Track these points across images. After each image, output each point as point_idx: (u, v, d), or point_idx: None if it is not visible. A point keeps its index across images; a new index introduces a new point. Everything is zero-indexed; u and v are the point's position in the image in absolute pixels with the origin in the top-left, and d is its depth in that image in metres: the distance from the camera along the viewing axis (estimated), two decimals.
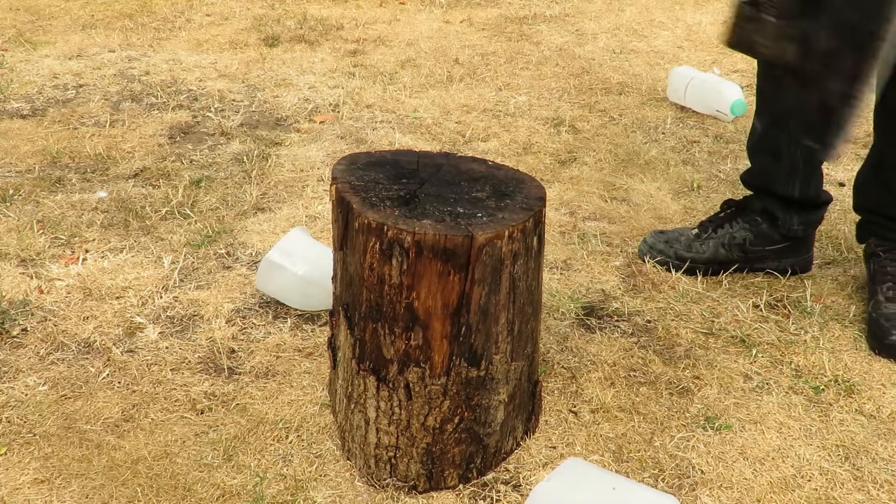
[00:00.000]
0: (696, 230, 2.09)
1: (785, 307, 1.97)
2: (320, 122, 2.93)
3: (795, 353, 1.82)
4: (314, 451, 1.55)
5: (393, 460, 1.47)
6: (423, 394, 1.41)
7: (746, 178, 2.12)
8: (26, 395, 1.68)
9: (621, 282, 2.06)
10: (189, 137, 2.82)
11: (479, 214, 1.37)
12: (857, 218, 2.06)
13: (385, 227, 1.32)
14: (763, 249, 2.05)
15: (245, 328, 1.88)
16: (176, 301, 1.97)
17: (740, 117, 2.93)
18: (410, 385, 1.41)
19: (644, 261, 2.11)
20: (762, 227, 2.04)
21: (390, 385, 1.41)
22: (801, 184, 2.00)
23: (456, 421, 1.44)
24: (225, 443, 1.57)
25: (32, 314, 1.91)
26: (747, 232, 2.05)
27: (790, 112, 1.67)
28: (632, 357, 1.80)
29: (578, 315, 1.92)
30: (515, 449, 1.55)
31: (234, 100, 3.13)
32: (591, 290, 2.03)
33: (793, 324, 1.92)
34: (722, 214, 2.11)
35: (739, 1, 1.46)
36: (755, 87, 2.07)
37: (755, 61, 2.00)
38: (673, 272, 2.06)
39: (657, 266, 2.09)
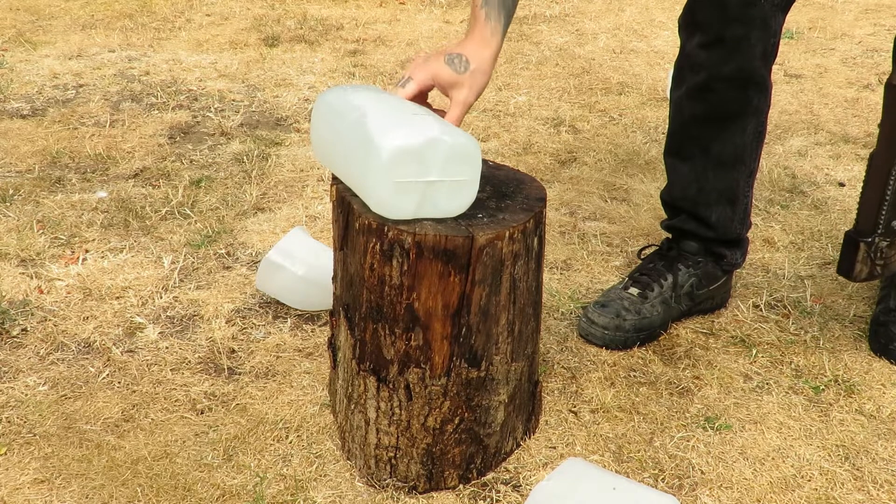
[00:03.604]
0: (634, 289, 1.87)
1: (785, 307, 1.97)
2: None
3: (795, 353, 1.82)
4: (314, 451, 1.55)
5: (393, 461, 1.47)
6: (424, 394, 1.41)
7: (689, 227, 1.92)
8: (26, 395, 1.68)
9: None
10: (189, 137, 2.82)
11: (480, 215, 1.37)
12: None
13: (385, 228, 1.32)
14: (708, 290, 1.92)
15: (245, 328, 1.88)
16: (176, 301, 1.97)
17: None
18: (411, 386, 1.41)
19: (602, 347, 1.84)
20: (707, 268, 1.91)
21: (390, 385, 1.41)
22: (747, 222, 1.92)
23: (456, 421, 1.44)
24: (225, 443, 1.57)
25: (32, 314, 1.91)
26: (692, 276, 1.89)
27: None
28: (632, 357, 1.80)
29: (578, 315, 1.92)
30: (515, 449, 1.55)
31: (234, 100, 3.14)
32: (591, 290, 2.03)
33: (793, 324, 1.92)
34: (652, 266, 1.92)
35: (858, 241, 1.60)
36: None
37: None
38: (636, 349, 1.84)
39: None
